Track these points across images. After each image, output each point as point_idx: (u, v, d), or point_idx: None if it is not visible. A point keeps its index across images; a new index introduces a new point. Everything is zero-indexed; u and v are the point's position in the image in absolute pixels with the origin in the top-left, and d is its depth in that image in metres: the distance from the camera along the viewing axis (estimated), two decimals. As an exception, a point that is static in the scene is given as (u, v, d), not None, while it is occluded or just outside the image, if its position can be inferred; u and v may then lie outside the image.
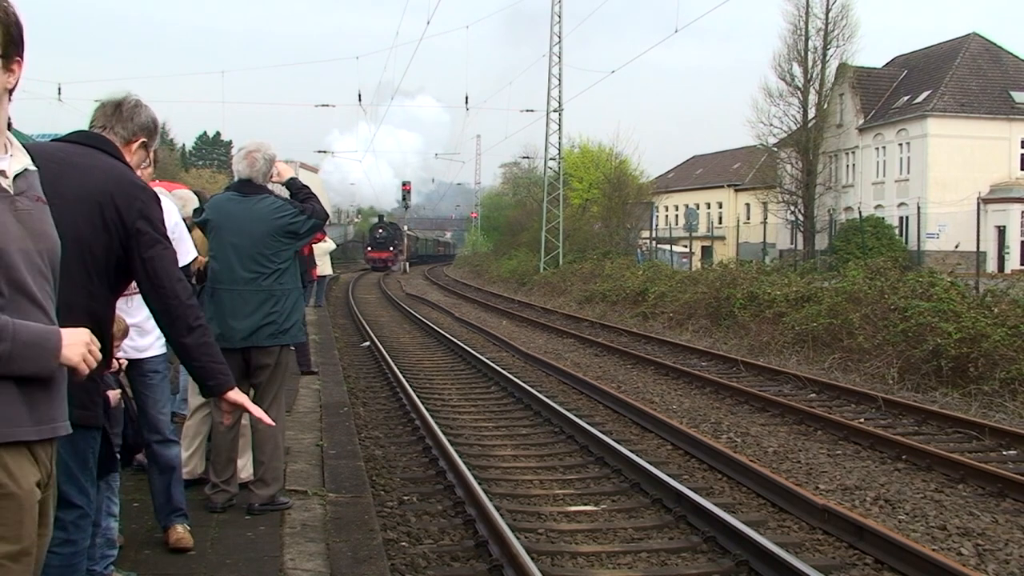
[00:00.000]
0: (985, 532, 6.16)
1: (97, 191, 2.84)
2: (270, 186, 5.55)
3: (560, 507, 6.68)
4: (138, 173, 3.27)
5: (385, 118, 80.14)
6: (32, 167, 2.17)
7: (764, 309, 17.51)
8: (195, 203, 6.29)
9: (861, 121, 41.59)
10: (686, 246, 40.19)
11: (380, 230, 61.13)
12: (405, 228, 63.68)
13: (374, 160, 73.74)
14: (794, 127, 39.51)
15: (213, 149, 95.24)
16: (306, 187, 5.51)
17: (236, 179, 5.46)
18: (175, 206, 5.14)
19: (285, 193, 5.64)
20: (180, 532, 4.58)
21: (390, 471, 7.49)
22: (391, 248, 59.98)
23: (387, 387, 11.86)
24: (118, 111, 3.40)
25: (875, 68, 44.12)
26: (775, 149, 41.97)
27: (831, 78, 39.80)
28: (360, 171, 73.99)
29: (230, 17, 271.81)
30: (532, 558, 5.14)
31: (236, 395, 2.99)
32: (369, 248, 61.28)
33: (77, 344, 2.09)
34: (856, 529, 5.85)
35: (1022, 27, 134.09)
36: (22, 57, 2.08)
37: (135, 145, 3.39)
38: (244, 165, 5.37)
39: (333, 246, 22.14)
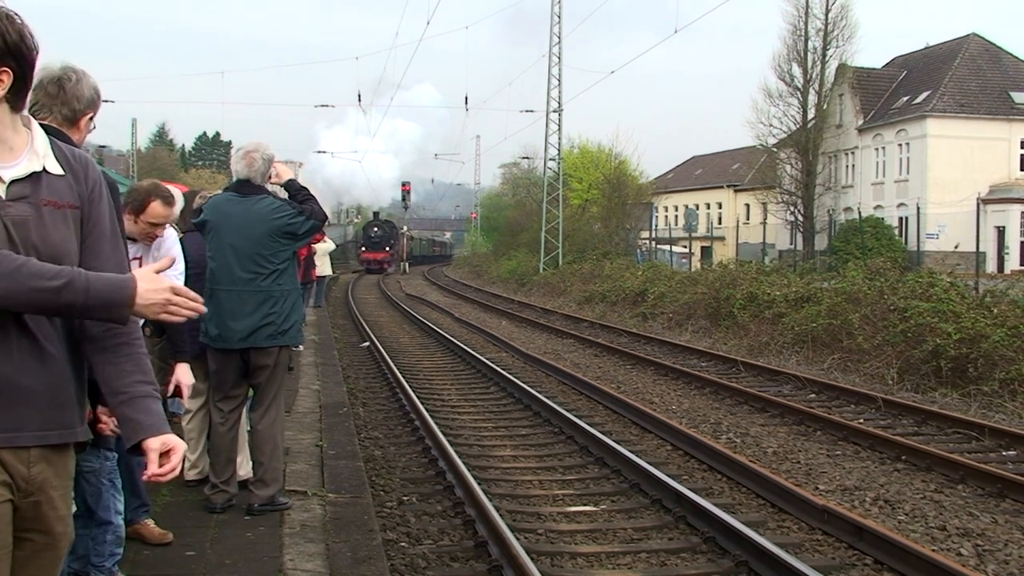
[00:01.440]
0: (985, 532, 6.16)
1: None
2: (269, 188, 5.54)
3: (560, 507, 6.68)
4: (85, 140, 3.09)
5: (384, 112, 76.82)
6: (55, 170, 2.13)
7: (764, 309, 17.51)
8: (181, 202, 6.29)
9: (861, 121, 41.60)
10: (686, 246, 40.20)
11: (375, 228, 55.49)
12: (404, 229, 61.23)
13: (372, 154, 69.58)
14: (794, 127, 39.53)
15: (213, 150, 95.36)
16: (305, 188, 5.50)
17: (234, 179, 5.46)
18: (174, 233, 5.09)
19: (284, 195, 5.63)
20: (153, 526, 4.68)
21: (390, 471, 7.49)
22: (387, 248, 54.77)
23: (387, 387, 11.86)
24: (61, 91, 3.05)
25: (875, 68, 44.15)
26: (775, 149, 41.98)
27: (831, 78, 39.83)
28: (345, 168, 68.39)
29: (230, 18, 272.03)
30: (532, 558, 5.14)
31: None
32: (363, 248, 55.63)
33: (152, 301, 2.08)
34: (856, 529, 5.85)
35: (1022, 27, 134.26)
36: (11, 67, 2.02)
37: (83, 121, 3.09)
38: (242, 165, 5.37)
39: (333, 246, 22.16)
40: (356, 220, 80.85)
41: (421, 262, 68.14)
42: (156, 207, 4.55)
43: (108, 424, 2.90)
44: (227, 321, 5.20)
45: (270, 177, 5.46)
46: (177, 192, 6.37)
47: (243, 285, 5.21)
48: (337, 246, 38.94)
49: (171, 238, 4.94)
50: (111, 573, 3.96)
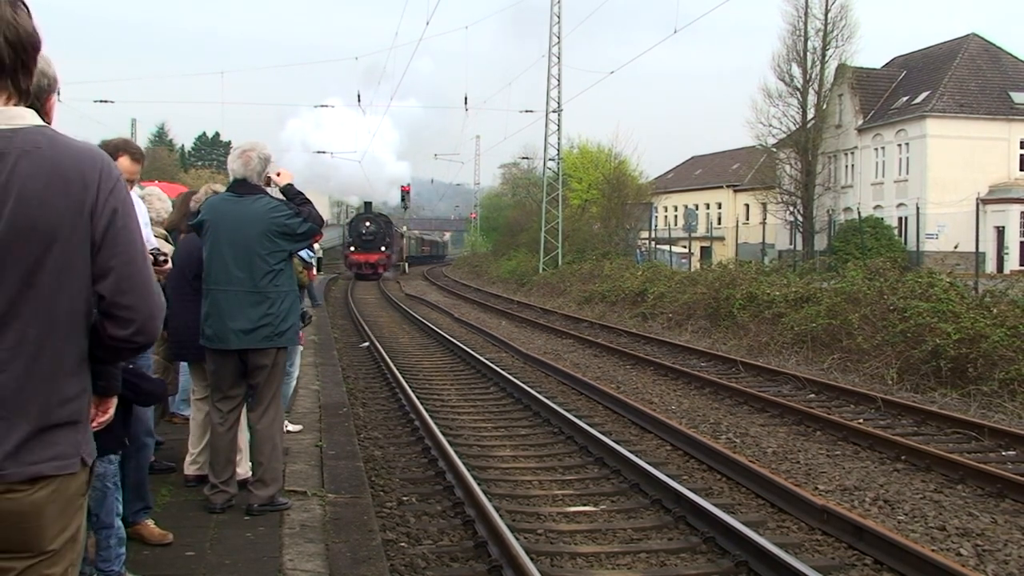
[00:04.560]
0: (984, 532, 6.16)
1: None
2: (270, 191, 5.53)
3: (559, 508, 6.68)
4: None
5: (386, 106, 71.52)
6: None
7: (763, 310, 17.52)
8: (168, 202, 6.32)
9: (860, 122, 41.60)
10: (685, 247, 40.21)
11: (367, 223, 44.91)
12: (404, 229, 58.18)
13: (371, 154, 61.70)
14: (793, 128, 39.53)
15: (212, 150, 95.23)
16: (302, 193, 5.49)
17: (231, 179, 5.45)
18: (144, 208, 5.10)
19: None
20: (153, 527, 4.69)
21: (389, 472, 7.49)
22: (383, 248, 44.70)
23: (386, 388, 11.86)
24: None
25: (874, 69, 44.14)
26: (774, 150, 41.99)
27: (830, 79, 39.83)
28: (315, 160, 55.90)
29: (229, 18, 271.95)
30: (531, 559, 5.15)
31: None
32: (352, 248, 44.95)
33: None
34: (855, 529, 5.85)
35: (1022, 27, 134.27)
36: None
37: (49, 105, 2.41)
38: (239, 164, 5.36)
39: (320, 252, 22.19)
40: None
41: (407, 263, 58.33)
42: (124, 161, 4.60)
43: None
44: (224, 321, 5.19)
45: (268, 182, 5.44)
46: (163, 194, 6.39)
47: (239, 285, 5.19)
48: (333, 248, 38.54)
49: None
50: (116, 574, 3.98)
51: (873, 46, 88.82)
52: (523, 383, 11.63)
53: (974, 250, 25.08)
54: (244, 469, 5.64)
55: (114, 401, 2.56)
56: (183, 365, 6.68)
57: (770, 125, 40.04)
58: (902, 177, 39.18)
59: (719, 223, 51.51)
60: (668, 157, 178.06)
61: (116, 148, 4.62)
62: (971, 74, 39.55)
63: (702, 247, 45.06)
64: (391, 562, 5.13)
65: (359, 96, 59.00)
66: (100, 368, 2.26)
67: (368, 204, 48.80)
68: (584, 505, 6.76)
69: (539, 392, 11.01)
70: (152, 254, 4.65)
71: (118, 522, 4.02)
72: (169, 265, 4.92)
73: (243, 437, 5.63)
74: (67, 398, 2.01)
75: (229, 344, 5.20)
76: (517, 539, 5.45)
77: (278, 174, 5.48)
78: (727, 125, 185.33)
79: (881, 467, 7.98)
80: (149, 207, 5.82)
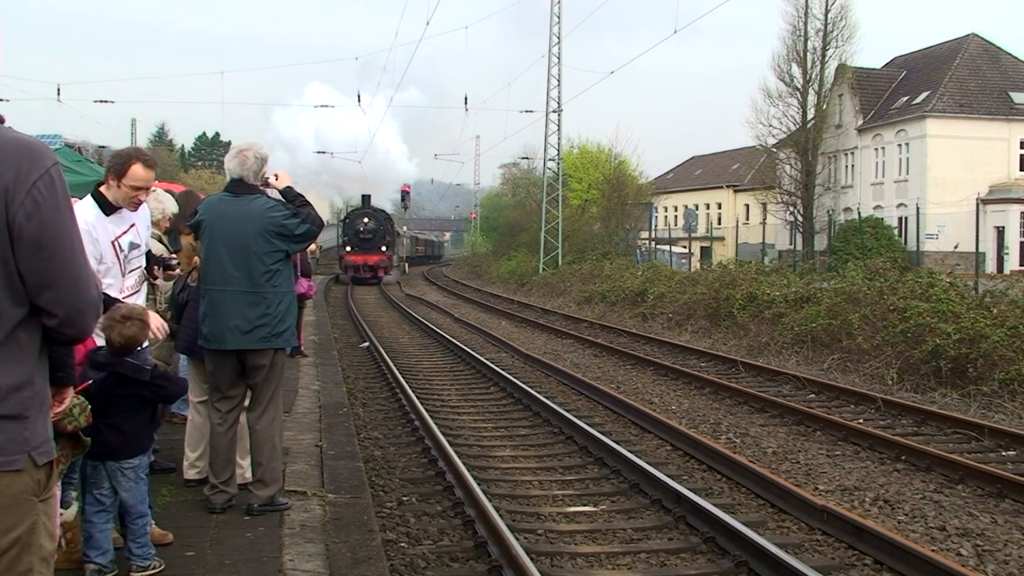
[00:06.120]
0: (984, 532, 6.16)
1: None
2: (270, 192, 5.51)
3: (559, 508, 6.68)
4: None
5: (384, 96, 69.61)
6: None
7: (763, 310, 17.52)
8: (173, 204, 6.31)
9: (860, 122, 41.60)
10: (685, 247, 40.22)
11: (365, 219, 40.18)
12: (404, 229, 56.82)
13: (368, 128, 57.56)
14: (793, 128, 39.54)
15: (212, 150, 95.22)
16: (301, 195, 5.48)
17: (228, 179, 5.44)
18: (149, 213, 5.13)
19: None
20: (153, 527, 4.64)
21: (389, 472, 7.49)
22: (383, 248, 40.13)
23: (386, 388, 11.85)
24: None
25: (874, 69, 44.15)
26: (774, 150, 42.00)
27: (830, 79, 39.85)
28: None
29: (229, 18, 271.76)
30: (531, 559, 5.15)
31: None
32: (348, 249, 40.08)
33: None
34: (855, 530, 5.85)
35: (1022, 28, 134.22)
36: None
37: None
38: (235, 164, 5.34)
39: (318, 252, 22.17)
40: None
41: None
42: (137, 170, 4.61)
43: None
44: (221, 321, 5.18)
45: (267, 183, 5.43)
46: (166, 195, 6.39)
47: (237, 285, 5.18)
48: (331, 248, 38.15)
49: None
50: (153, 558, 4.17)
51: (873, 46, 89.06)
52: (523, 383, 11.63)
53: (974, 250, 25.11)
54: (251, 475, 5.62)
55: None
56: (182, 365, 6.68)
57: (770, 125, 40.13)
58: (902, 177, 39.19)
59: (719, 223, 51.50)
60: (668, 157, 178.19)
61: (128, 157, 4.63)
62: (971, 74, 39.55)
63: (702, 247, 45.07)
64: (391, 562, 5.13)
65: (359, 96, 58.54)
66: (56, 359, 2.24)
67: (366, 198, 43.18)
68: (584, 505, 6.76)
69: (539, 392, 11.01)
70: (165, 263, 4.68)
71: (148, 511, 4.21)
72: (179, 271, 4.92)
73: (247, 443, 5.61)
74: None
75: (226, 344, 5.19)
76: (517, 539, 5.45)
77: (276, 176, 5.47)
78: (727, 125, 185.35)
79: (881, 467, 7.98)
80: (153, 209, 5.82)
